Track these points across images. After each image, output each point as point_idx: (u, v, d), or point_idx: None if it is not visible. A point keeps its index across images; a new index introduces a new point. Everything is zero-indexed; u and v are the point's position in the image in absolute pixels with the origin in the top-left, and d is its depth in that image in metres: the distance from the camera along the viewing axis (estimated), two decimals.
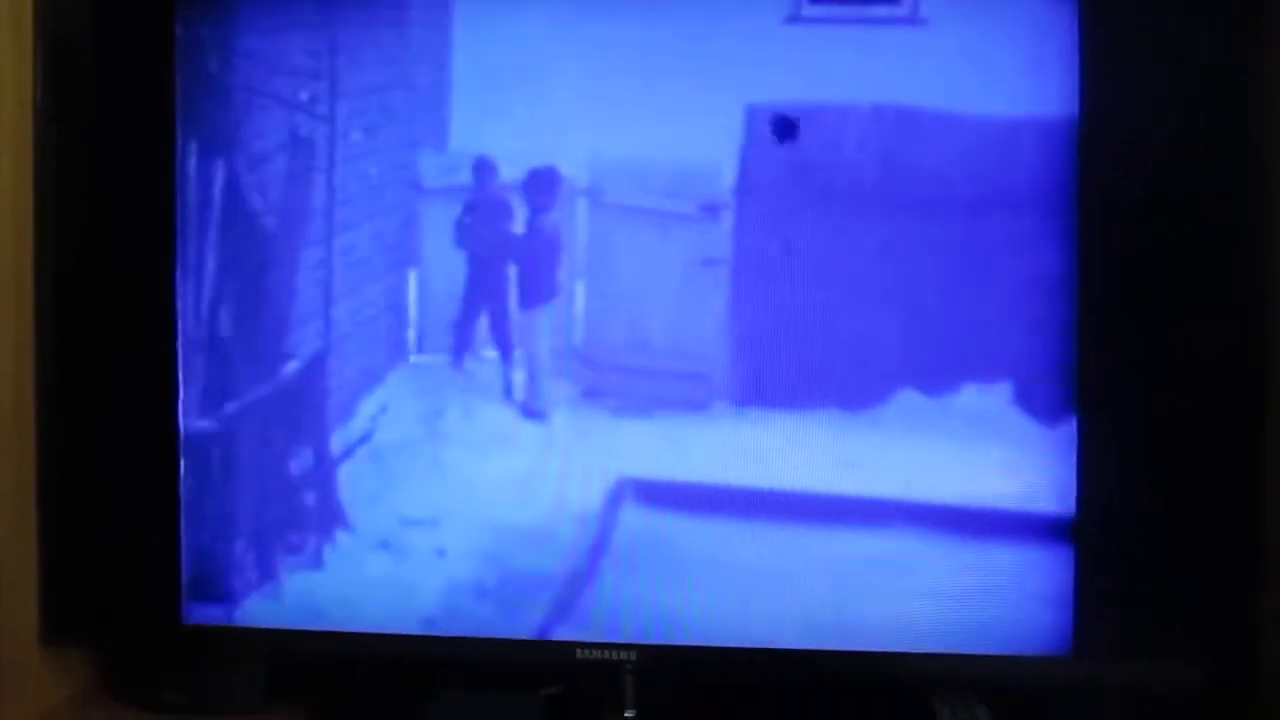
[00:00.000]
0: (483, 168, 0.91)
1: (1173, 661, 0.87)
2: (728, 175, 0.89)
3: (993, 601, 0.89)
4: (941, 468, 0.88)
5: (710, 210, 0.89)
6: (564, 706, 0.96)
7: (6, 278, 0.91)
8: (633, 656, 0.92)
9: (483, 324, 0.93)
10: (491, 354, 0.93)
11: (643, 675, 0.93)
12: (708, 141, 0.89)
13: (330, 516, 0.94)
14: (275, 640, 0.96)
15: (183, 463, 0.94)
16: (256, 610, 0.95)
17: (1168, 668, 0.88)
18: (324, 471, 0.94)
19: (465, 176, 0.91)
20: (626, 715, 0.93)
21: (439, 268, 0.93)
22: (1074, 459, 0.87)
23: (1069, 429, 0.87)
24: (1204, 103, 0.86)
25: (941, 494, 0.89)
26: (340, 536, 0.94)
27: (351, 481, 0.94)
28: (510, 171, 0.91)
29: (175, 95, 0.93)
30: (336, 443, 0.94)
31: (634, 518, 0.91)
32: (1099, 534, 0.87)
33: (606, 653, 0.92)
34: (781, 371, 0.89)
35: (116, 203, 0.95)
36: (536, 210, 0.91)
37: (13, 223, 0.92)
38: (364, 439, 0.94)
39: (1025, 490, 0.88)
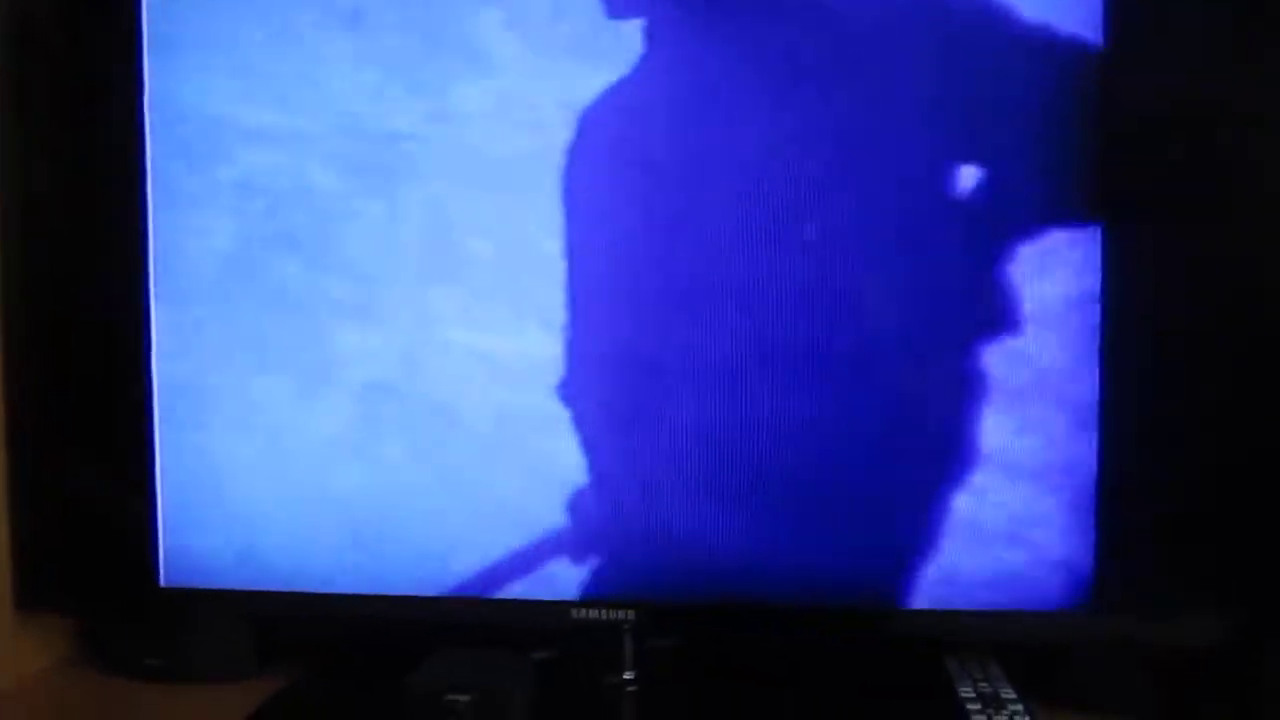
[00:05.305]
0: None
1: (1192, 616, 0.84)
2: None
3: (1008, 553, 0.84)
4: None
5: None
6: (559, 669, 0.92)
7: None
8: (631, 616, 0.88)
9: None
10: None
11: (642, 635, 0.89)
12: None
13: None
14: (255, 602, 0.91)
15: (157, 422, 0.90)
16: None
17: (1187, 622, 0.84)
18: None
19: None
20: (626, 677, 0.89)
21: None
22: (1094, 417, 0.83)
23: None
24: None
25: None
26: None
27: None
28: None
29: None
30: None
31: None
32: (1120, 487, 0.83)
33: (604, 612, 0.88)
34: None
35: (81, 154, 0.91)
36: None
37: None
38: None
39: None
